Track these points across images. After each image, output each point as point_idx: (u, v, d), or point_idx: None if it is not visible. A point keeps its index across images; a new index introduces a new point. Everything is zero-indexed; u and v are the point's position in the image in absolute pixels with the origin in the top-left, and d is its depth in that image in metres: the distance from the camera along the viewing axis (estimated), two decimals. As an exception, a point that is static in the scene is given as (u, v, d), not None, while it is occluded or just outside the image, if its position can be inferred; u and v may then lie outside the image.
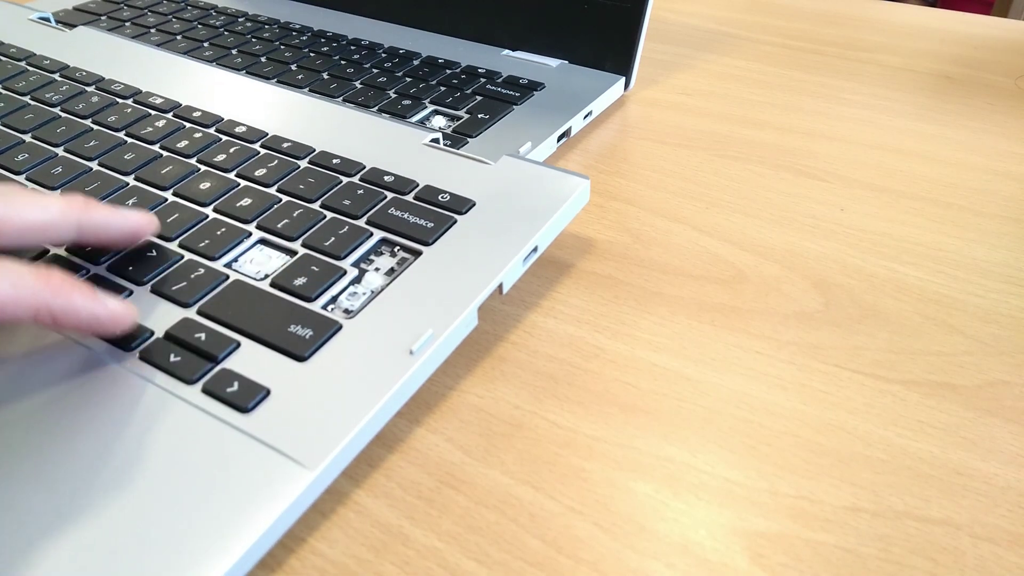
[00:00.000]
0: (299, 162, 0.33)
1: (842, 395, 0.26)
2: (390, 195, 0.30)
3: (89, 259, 0.28)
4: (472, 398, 0.26)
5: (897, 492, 0.23)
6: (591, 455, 0.24)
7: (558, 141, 0.39)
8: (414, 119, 0.39)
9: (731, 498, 0.23)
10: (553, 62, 0.44)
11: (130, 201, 0.31)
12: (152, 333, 0.25)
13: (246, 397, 0.22)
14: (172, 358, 0.24)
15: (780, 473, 0.24)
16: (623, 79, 0.43)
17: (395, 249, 0.28)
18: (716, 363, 0.27)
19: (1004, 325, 0.29)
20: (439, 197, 0.29)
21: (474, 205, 0.29)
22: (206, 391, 0.23)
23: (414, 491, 0.23)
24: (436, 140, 0.33)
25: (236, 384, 0.23)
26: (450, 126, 0.39)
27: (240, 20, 0.51)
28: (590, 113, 0.41)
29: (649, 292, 0.30)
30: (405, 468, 0.24)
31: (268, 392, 0.23)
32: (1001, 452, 0.24)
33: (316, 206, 0.30)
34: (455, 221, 0.28)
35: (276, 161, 0.33)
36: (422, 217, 0.28)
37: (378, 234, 0.28)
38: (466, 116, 0.39)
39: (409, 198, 0.30)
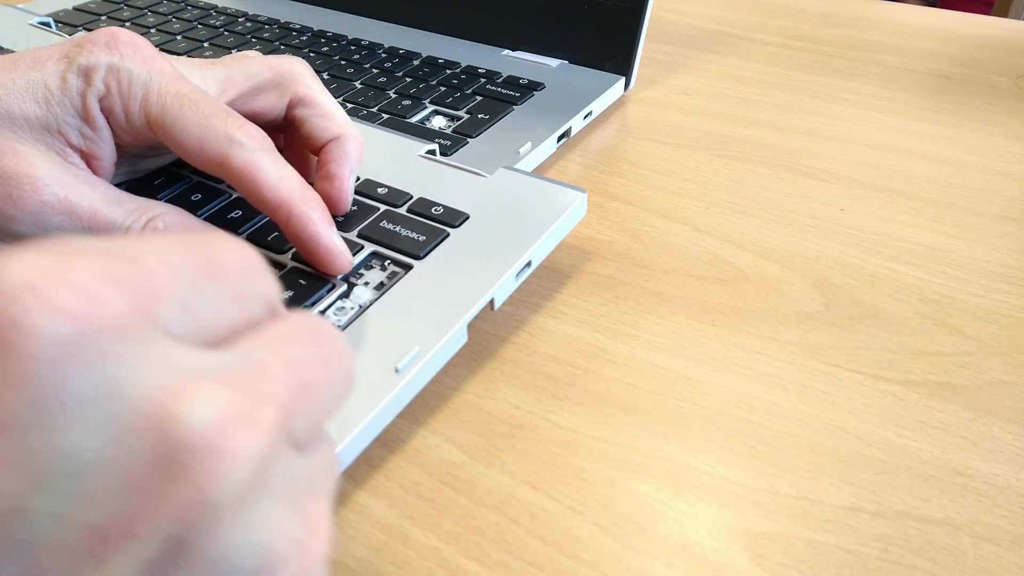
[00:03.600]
0: None
1: (842, 395, 0.26)
2: (383, 207, 0.29)
3: None
4: (472, 398, 0.26)
5: (897, 492, 0.23)
6: (591, 455, 0.24)
7: (558, 141, 0.39)
8: (414, 119, 0.39)
9: (731, 498, 0.23)
10: (553, 62, 0.44)
11: None
12: None
13: None
14: None
15: (780, 473, 0.24)
16: (623, 79, 0.43)
17: (386, 263, 0.27)
18: (716, 363, 0.27)
19: (1004, 325, 0.29)
20: (432, 210, 0.29)
21: (467, 218, 0.28)
22: None
23: (414, 491, 0.23)
24: (432, 152, 0.32)
25: None
26: (450, 126, 0.39)
27: (240, 20, 0.51)
28: (590, 113, 0.41)
29: (649, 292, 0.30)
30: (405, 468, 0.24)
31: None
32: (1001, 452, 0.24)
33: None
34: (448, 235, 0.28)
35: None
36: (414, 230, 0.28)
37: (369, 247, 0.28)
38: (466, 116, 0.39)
39: (402, 211, 0.29)
